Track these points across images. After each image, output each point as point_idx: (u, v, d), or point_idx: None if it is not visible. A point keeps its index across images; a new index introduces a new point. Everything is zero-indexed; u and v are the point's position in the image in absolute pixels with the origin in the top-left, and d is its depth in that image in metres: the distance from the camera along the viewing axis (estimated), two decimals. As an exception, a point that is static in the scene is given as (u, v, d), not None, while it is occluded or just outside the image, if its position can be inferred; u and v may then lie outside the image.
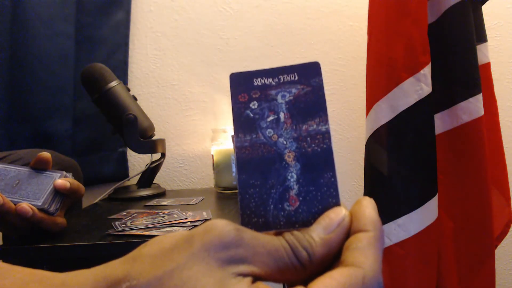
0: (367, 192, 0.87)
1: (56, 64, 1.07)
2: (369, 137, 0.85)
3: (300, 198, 0.24)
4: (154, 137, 1.02)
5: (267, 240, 0.21)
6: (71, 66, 1.09)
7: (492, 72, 0.92)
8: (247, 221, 0.23)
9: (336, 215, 0.23)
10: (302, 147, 0.24)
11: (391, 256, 0.80)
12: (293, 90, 0.25)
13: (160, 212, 0.72)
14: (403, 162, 0.81)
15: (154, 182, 1.05)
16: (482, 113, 0.80)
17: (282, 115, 0.25)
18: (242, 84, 0.26)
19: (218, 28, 1.19)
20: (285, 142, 0.25)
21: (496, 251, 0.85)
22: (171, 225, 0.61)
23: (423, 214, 0.79)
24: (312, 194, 0.24)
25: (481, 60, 0.87)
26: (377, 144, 0.84)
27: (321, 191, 0.24)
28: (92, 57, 1.10)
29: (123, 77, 1.14)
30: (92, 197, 1.05)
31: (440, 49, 0.82)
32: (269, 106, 0.25)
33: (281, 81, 0.26)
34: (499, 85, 1.13)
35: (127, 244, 0.55)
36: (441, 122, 0.85)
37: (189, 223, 0.63)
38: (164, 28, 1.19)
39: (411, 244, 0.79)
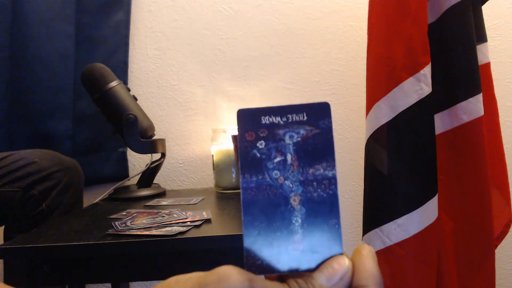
0: (367, 192, 0.87)
1: (56, 64, 1.07)
2: (369, 137, 0.85)
3: (304, 243, 0.24)
4: (154, 137, 1.02)
5: None
6: (71, 66, 1.09)
7: (492, 72, 0.92)
8: (251, 263, 0.23)
9: (339, 266, 0.23)
10: (308, 191, 0.24)
11: (391, 256, 0.80)
12: (301, 131, 0.25)
13: (160, 212, 0.72)
14: (403, 162, 0.81)
15: (154, 182, 1.05)
16: (482, 113, 0.80)
17: (289, 157, 0.25)
18: (249, 122, 0.25)
19: (218, 28, 1.19)
20: (291, 185, 0.25)
21: (496, 251, 0.85)
22: (170, 225, 0.61)
23: (423, 214, 0.79)
24: (315, 239, 0.24)
25: (481, 60, 0.87)
26: (377, 144, 0.83)
27: (324, 237, 0.24)
28: (92, 57, 1.10)
29: (123, 77, 1.14)
30: (92, 197, 1.05)
31: (440, 49, 0.82)
32: (276, 147, 0.25)
33: (290, 120, 0.25)
34: (499, 85, 1.13)
35: (127, 244, 0.55)
36: (441, 122, 0.85)
37: (189, 222, 0.63)
38: (164, 28, 1.19)
39: (411, 244, 0.79)
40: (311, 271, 0.23)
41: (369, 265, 0.23)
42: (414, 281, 0.80)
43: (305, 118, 0.25)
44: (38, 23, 1.05)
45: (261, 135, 0.25)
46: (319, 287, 0.22)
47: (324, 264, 0.23)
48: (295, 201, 0.24)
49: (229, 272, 0.21)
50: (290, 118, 0.25)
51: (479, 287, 0.83)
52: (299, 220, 0.24)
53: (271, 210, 0.24)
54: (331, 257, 0.23)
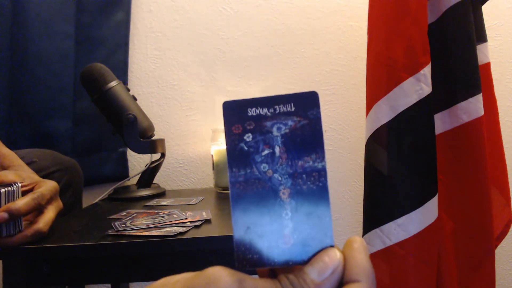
0: (367, 192, 0.87)
1: (56, 64, 1.07)
2: (369, 137, 0.85)
3: (295, 236, 0.23)
4: (154, 137, 1.02)
5: None
6: (71, 66, 1.09)
7: (492, 72, 0.92)
8: (241, 257, 0.23)
9: (330, 260, 0.22)
10: (297, 184, 0.24)
11: (391, 256, 0.80)
12: (289, 123, 0.25)
13: (160, 212, 0.71)
14: (403, 162, 0.81)
15: (154, 182, 1.05)
16: (482, 113, 0.80)
17: (277, 149, 0.24)
18: (236, 114, 0.25)
19: (218, 28, 1.19)
20: (280, 178, 0.24)
21: (496, 251, 0.85)
22: (170, 225, 0.61)
23: (423, 214, 0.79)
24: (306, 232, 0.23)
25: (481, 60, 0.87)
26: (377, 144, 0.83)
27: (315, 230, 0.23)
28: (92, 57, 1.10)
29: (123, 77, 1.14)
30: (92, 197, 1.05)
31: (440, 49, 0.82)
32: (264, 139, 0.25)
33: (277, 111, 0.25)
34: (499, 85, 1.13)
35: (127, 244, 0.55)
36: (441, 122, 0.85)
37: (188, 223, 0.63)
38: (164, 28, 1.19)
39: (411, 244, 0.79)
40: (302, 264, 0.23)
41: (361, 258, 0.22)
42: (414, 281, 0.80)
43: (293, 108, 0.25)
44: (38, 23, 1.05)
45: (248, 127, 0.25)
46: (310, 282, 0.22)
47: (315, 258, 0.23)
48: (284, 194, 0.24)
49: (219, 274, 0.20)
50: (278, 109, 0.25)
51: (479, 287, 0.83)
52: (289, 214, 0.24)
53: (260, 204, 0.24)
54: (322, 250, 0.23)
